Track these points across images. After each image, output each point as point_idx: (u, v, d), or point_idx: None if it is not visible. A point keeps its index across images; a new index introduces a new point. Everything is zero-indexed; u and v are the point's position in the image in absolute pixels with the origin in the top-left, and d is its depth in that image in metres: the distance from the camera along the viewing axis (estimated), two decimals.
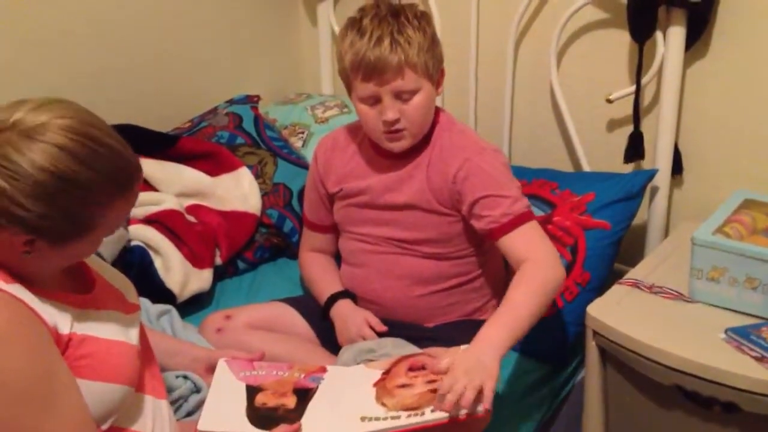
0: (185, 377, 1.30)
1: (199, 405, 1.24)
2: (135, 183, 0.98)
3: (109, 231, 1.00)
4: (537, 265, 1.31)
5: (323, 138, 1.62)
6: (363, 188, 1.50)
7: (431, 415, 1.13)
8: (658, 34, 1.65)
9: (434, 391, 1.17)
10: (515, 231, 1.37)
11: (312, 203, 1.62)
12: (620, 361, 1.35)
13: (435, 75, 1.41)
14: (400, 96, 1.36)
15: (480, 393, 1.12)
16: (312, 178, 1.61)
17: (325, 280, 1.58)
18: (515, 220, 1.37)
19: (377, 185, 1.48)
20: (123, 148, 0.96)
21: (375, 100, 1.38)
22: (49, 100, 0.93)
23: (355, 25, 1.38)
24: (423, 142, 1.45)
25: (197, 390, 1.29)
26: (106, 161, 0.93)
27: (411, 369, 1.25)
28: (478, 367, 1.15)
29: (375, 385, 1.23)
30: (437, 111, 1.48)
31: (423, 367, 1.25)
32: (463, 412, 1.12)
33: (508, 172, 1.45)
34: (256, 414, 1.18)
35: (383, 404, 1.17)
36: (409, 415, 1.13)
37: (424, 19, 1.39)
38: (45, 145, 0.89)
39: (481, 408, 1.12)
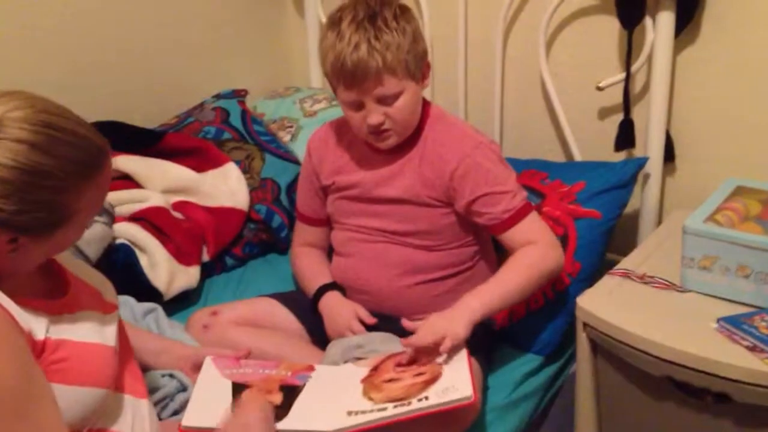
0: (171, 376, 1.29)
1: (185, 404, 1.23)
2: (104, 162, 0.96)
3: (91, 213, 0.98)
4: (536, 247, 1.39)
5: (316, 130, 1.62)
6: (355, 182, 1.50)
7: (418, 404, 1.12)
8: (648, 20, 1.63)
9: (422, 382, 1.16)
10: (517, 225, 1.41)
11: (305, 196, 1.62)
12: (611, 352, 1.34)
13: (418, 73, 1.39)
14: (384, 101, 1.36)
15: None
16: (306, 170, 1.61)
17: (314, 273, 1.58)
18: (516, 215, 1.41)
19: (369, 179, 1.48)
20: (84, 129, 0.94)
21: (359, 105, 1.38)
22: (0, 93, 0.90)
23: (334, 27, 1.36)
24: (413, 136, 1.45)
25: (183, 389, 1.28)
26: (69, 146, 0.91)
27: (399, 365, 1.24)
28: (447, 325, 1.25)
29: (363, 381, 1.23)
30: (426, 103, 1.47)
31: (411, 363, 1.24)
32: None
33: (503, 163, 1.46)
34: None
35: (370, 398, 1.17)
36: (395, 406, 1.13)
37: (404, 17, 1.36)
38: (2, 141, 0.86)
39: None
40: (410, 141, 1.45)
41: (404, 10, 1.38)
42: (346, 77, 1.34)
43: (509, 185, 1.42)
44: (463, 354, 1.23)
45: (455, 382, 1.15)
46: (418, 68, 1.39)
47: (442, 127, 1.45)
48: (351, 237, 1.53)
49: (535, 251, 1.39)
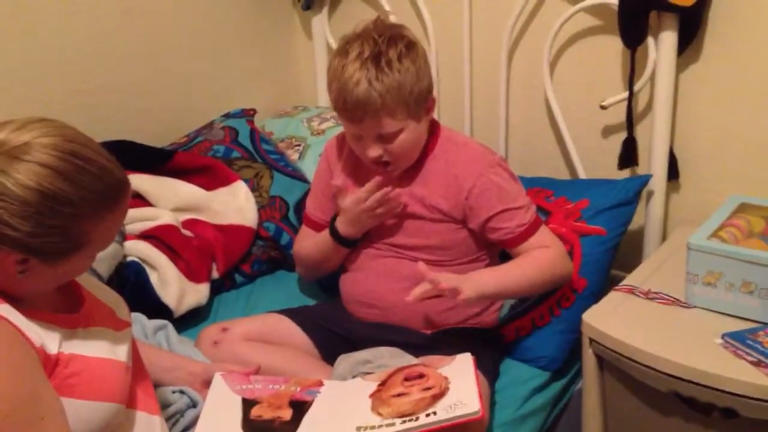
0: (181, 392, 1.29)
1: (196, 420, 1.23)
2: (123, 197, 0.98)
3: (102, 246, 1.00)
4: (549, 250, 1.45)
5: (333, 136, 1.64)
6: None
7: (425, 420, 1.12)
8: (650, 40, 1.65)
9: (430, 397, 1.16)
10: (530, 239, 1.45)
11: (317, 198, 1.63)
12: (617, 368, 1.34)
13: (420, 111, 1.41)
14: (382, 138, 1.39)
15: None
16: (321, 170, 1.63)
17: (319, 234, 1.59)
18: (530, 229, 1.45)
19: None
20: (108, 162, 0.96)
21: (359, 138, 1.41)
22: (32, 119, 0.93)
23: (341, 58, 1.37)
24: (424, 155, 1.47)
25: (194, 405, 1.28)
26: (92, 177, 0.93)
27: (407, 379, 1.25)
28: (462, 282, 1.33)
29: (371, 396, 1.23)
30: (435, 124, 1.50)
31: (419, 377, 1.25)
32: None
33: (515, 179, 1.50)
34: (251, 426, 1.18)
35: (379, 413, 1.17)
36: (403, 421, 1.13)
37: (409, 56, 1.36)
38: (30, 165, 0.89)
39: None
40: (422, 159, 1.47)
41: (411, 48, 1.38)
42: (347, 113, 1.37)
43: (521, 200, 1.46)
44: (471, 368, 1.24)
45: (463, 397, 1.15)
46: (421, 107, 1.40)
47: (454, 147, 1.48)
48: (361, 252, 1.55)
49: (549, 254, 1.45)
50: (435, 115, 2.05)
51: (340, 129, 2.04)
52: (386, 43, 1.36)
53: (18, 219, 0.89)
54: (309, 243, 1.63)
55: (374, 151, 1.40)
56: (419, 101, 1.39)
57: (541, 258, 1.44)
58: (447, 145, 1.48)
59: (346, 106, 1.35)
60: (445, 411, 1.13)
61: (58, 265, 0.95)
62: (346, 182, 1.55)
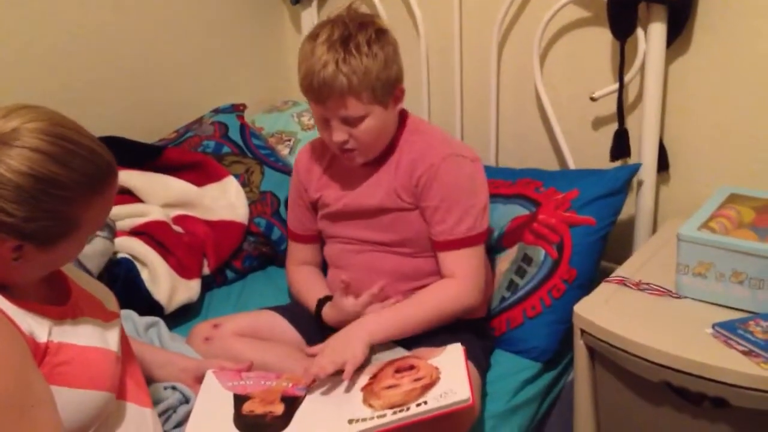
0: (173, 388, 1.29)
1: (188, 416, 1.23)
2: (113, 178, 1.00)
3: (93, 229, 1.02)
4: (453, 283, 1.42)
5: (301, 149, 1.66)
6: (339, 196, 1.53)
7: (416, 409, 1.13)
8: (639, 31, 1.65)
9: (420, 387, 1.17)
10: (449, 252, 1.43)
11: (296, 213, 1.64)
12: (609, 359, 1.35)
13: (386, 98, 1.41)
14: (347, 121, 1.39)
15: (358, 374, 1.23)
16: (295, 187, 1.63)
17: (312, 289, 1.59)
18: (453, 243, 1.43)
19: (352, 192, 1.51)
20: (96, 145, 0.98)
21: (325, 122, 1.41)
22: (17, 106, 0.94)
23: (311, 42, 1.38)
24: (391, 147, 1.48)
25: (186, 401, 1.28)
26: (82, 159, 0.94)
27: (398, 371, 1.25)
28: (345, 347, 1.30)
29: (363, 389, 1.24)
30: (403, 114, 1.50)
31: (410, 368, 1.25)
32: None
33: (472, 183, 1.45)
34: (243, 421, 1.18)
35: (370, 405, 1.18)
36: (394, 412, 1.13)
37: (378, 42, 1.37)
38: (21, 150, 0.90)
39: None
40: (388, 150, 1.48)
41: (380, 34, 1.39)
42: (313, 93, 1.38)
43: (463, 206, 1.42)
44: (461, 358, 1.24)
45: (453, 385, 1.16)
46: (387, 94, 1.40)
47: (417, 137, 1.48)
48: (342, 249, 1.56)
49: (449, 290, 1.42)
50: (426, 108, 2.08)
51: None
52: (356, 28, 1.37)
53: (13, 204, 0.90)
54: (296, 286, 1.63)
55: (340, 135, 1.40)
56: (386, 88, 1.39)
57: (437, 298, 1.42)
58: (411, 135, 1.48)
59: (313, 86, 1.36)
60: (435, 400, 1.14)
61: (52, 250, 0.96)
62: (327, 192, 1.55)
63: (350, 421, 1.14)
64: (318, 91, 1.36)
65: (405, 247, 1.49)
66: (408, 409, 1.13)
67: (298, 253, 1.66)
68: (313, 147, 1.61)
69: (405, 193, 1.46)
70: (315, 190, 1.57)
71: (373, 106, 1.38)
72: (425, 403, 1.13)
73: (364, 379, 1.26)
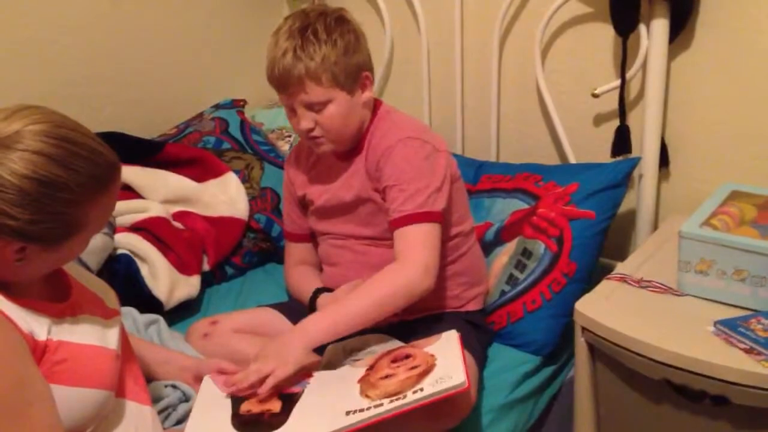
0: (174, 386, 1.29)
1: (188, 413, 1.23)
2: (116, 177, 1.00)
3: (97, 228, 1.01)
4: (397, 271, 1.33)
5: (290, 152, 1.68)
6: (322, 191, 1.55)
7: (413, 397, 1.13)
8: (642, 27, 1.64)
9: (416, 375, 1.17)
10: (402, 229, 1.37)
11: (290, 213, 1.66)
12: (609, 356, 1.34)
13: (349, 83, 1.41)
14: (311, 107, 1.40)
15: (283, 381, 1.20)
16: (286, 186, 1.66)
17: (308, 285, 1.59)
18: (406, 218, 1.37)
19: (333, 187, 1.52)
20: (98, 145, 0.97)
21: (292, 111, 1.43)
22: (18, 107, 0.93)
23: (275, 34, 1.42)
24: (363, 137, 1.49)
25: (186, 399, 1.28)
26: (85, 160, 0.94)
27: (394, 361, 1.25)
28: (279, 353, 1.25)
29: (359, 381, 1.24)
30: (376, 103, 1.51)
31: (406, 357, 1.25)
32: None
33: (426, 164, 1.41)
34: (241, 421, 1.18)
35: (367, 396, 1.18)
36: (391, 401, 1.13)
37: (337, 30, 1.40)
38: (23, 153, 0.89)
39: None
40: (361, 143, 1.48)
41: (340, 22, 1.42)
42: (275, 81, 1.41)
43: (415, 185, 1.37)
44: (456, 344, 1.25)
45: (449, 371, 1.16)
46: (351, 80, 1.41)
47: (384, 123, 1.48)
48: (331, 245, 1.56)
49: (396, 274, 1.33)
50: (425, 104, 2.07)
51: None
52: (315, 17, 1.41)
53: (17, 208, 0.89)
54: (294, 285, 1.63)
55: (306, 123, 1.41)
56: (349, 74, 1.40)
57: (382, 287, 1.32)
58: (381, 123, 1.49)
59: (275, 74, 1.40)
60: (431, 386, 1.14)
61: (56, 250, 0.96)
62: (311, 189, 1.56)
63: (348, 413, 1.14)
64: (279, 79, 1.39)
65: (390, 240, 1.45)
66: (405, 397, 1.13)
67: (295, 253, 1.67)
68: (300, 146, 1.63)
69: (373, 179, 1.46)
70: (300, 188, 1.60)
71: (336, 91, 1.39)
72: (421, 390, 1.13)
73: (360, 371, 1.26)
